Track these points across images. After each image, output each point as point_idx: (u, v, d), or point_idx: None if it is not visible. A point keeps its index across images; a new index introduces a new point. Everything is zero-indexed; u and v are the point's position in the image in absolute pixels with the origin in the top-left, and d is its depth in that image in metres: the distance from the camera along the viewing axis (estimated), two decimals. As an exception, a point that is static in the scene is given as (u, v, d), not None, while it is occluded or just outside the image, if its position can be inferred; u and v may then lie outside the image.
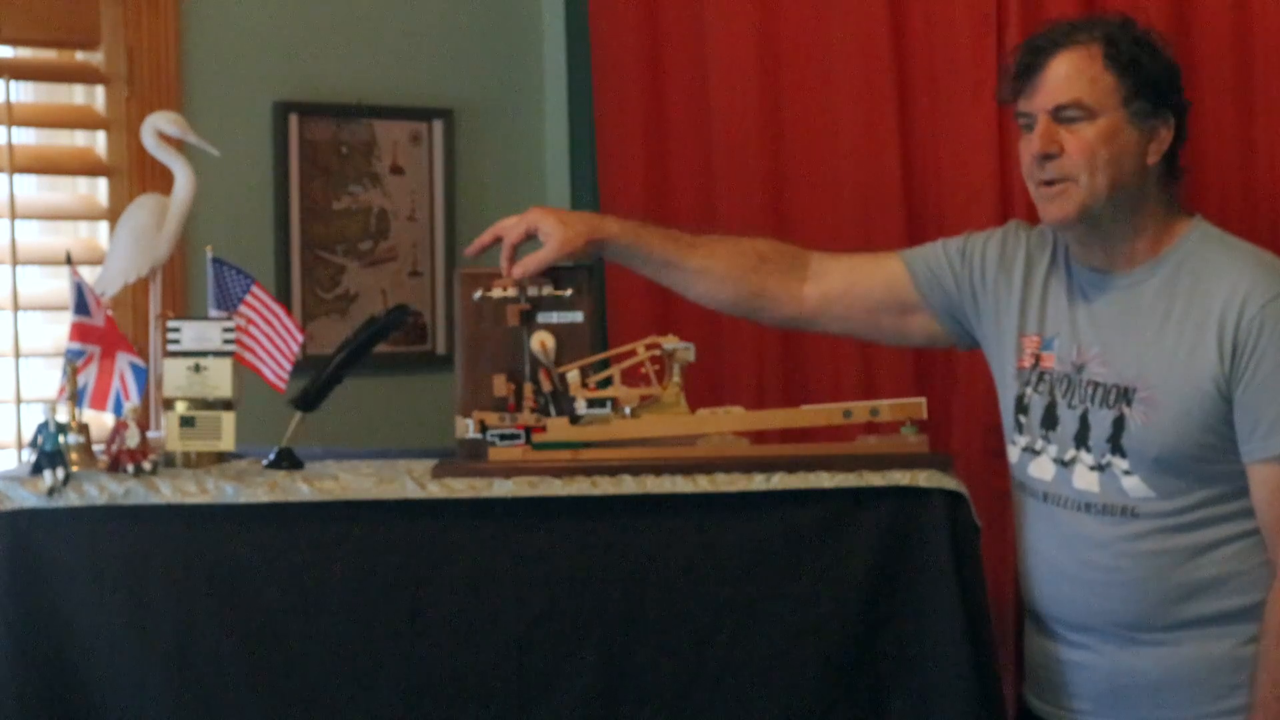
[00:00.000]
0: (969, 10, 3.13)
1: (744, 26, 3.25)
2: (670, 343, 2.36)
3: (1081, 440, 2.27)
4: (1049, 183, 2.25)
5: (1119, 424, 2.24)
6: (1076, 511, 2.27)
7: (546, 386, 2.34)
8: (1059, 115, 2.23)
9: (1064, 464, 2.29)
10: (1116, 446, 2.24)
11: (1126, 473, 2.23)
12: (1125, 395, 2.23)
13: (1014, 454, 2.38)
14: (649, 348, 2.36)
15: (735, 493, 2.25)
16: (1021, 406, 2.36)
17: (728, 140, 3.28)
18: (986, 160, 3.13)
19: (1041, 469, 2.32)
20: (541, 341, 2.35)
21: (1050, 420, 2.31)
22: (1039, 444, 2.33)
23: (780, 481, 2.25)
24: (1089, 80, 2.21)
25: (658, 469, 2.26)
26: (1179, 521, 2.22)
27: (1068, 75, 2.22)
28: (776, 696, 2.25)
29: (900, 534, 2.25)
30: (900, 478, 2.25)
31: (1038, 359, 2.34)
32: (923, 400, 2.35)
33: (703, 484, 2.25)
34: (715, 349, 3.22)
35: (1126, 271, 2.28)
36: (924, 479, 2.25)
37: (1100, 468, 2.25)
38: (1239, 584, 2.22)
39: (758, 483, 2.25)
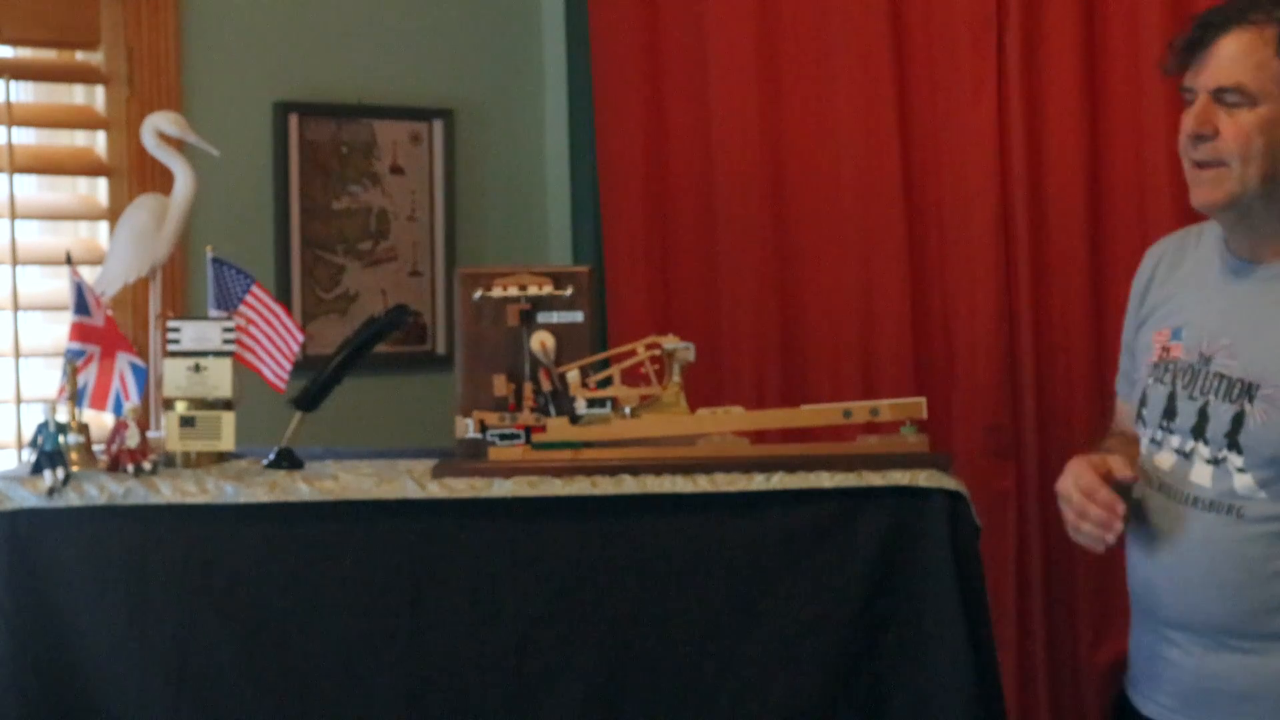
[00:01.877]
0: (969, 10, 3.13)
1: (744, 26, 3.25)
2: (670, 343, 2.36)
3: (1199, 433, 2.21)
4: (1201, 165, 2.19)
5: (1238, 420, 2.17)
6: (1185, 505, 2.21)
7: (546, 386, 2.34)
8: (1219, 97, 2.16)
9: (1184, 455, 2.23)
10: (1233, 443, 2.17)
11: (1240, 470, 2.17)
12: (1248, 391, 2.17)
13: (1142, 446, 2.32)
14: (649, 348, 2.36)
15: (735, 493, 2.24)
16: (1143, 399, 2.31)
17: (728, 140, 3.28)
18: (986, 160, 3.14)
19: (1164, 460, 2.26)
20: (541, 341, 2.35)
21: (1170, 411, 2.26)
22: (1158, 434, 2.27)
23: (780, 481, 2.25)
24: (1255, 65, 2.14)
25: (658, 469, 2.26)
26: None
27: (1233, 57, 2.15)
28: (776, 696, 2.25)
29: (900, 534, 2.25)
30: (900, 478, 2.24)
31: (1167, 350, 2.29)
32: (923, 400, 2.35)
33: (703, 484, 2.25)
34: (715, 349, 3.22)
35: (1271, 264, 2.22)
36: (924, 479, 2.24)
37: (1216, 462, 2.19)
38: None
39: (758, 483, 2.25)
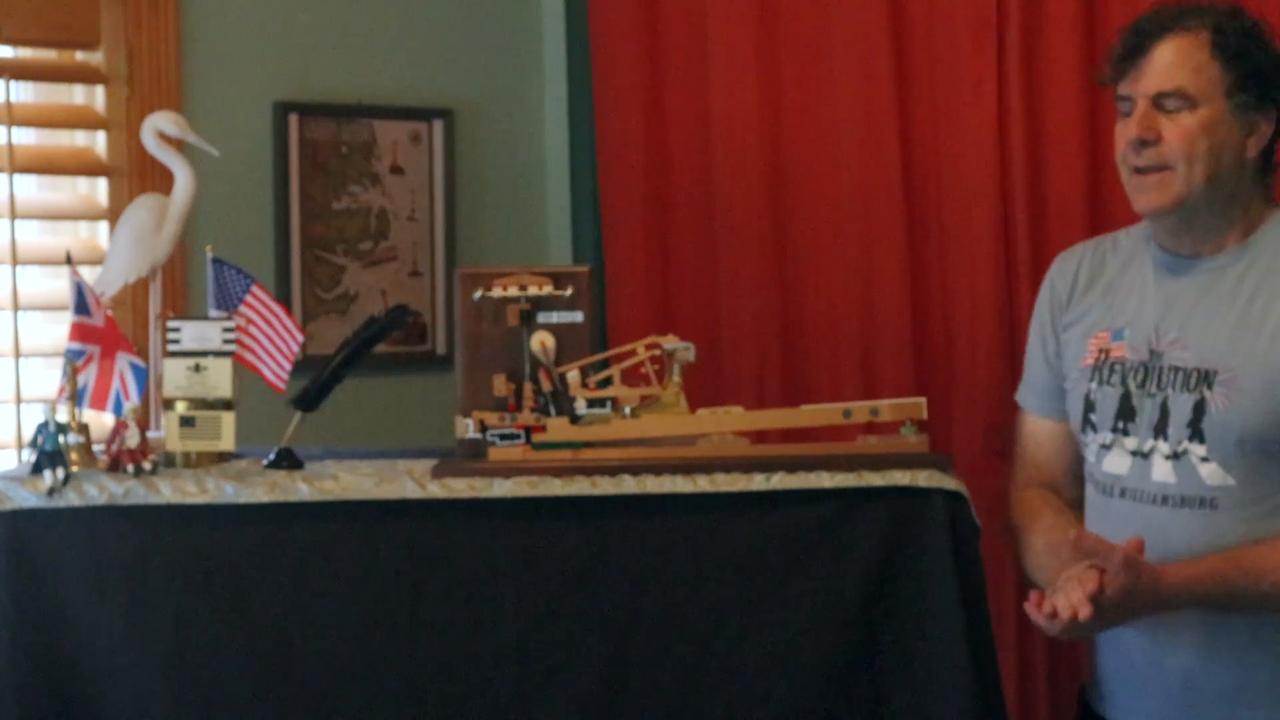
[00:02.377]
0: (969, 10, 3.14)
1: (744, 26, 3.25)
2: (670, 343, 2.36)
3: (1161, 429, 2.22)
4: (1142, 171, 2.21)
5: (1199, 408, 2.18)
6: (1153, 505, 2.22)
7: (546, 386, 2.34)
8: (1160, 102, 2.19)
9: (1143, 455, 2.24)
10: (1196, 431, 2.18)
11: (1204, 459, 2.18)
12: (1206, 378, 2.18)
13: (1090, 454, 2.33)
14: (649, 348, 2.36)
15: (735, 493, 2.24)
16: (1089, 404, 2.31)
17: (728, 140, 3.28)
18: (986, 160, 3.14)
19: (1117, 463, 2.27)
20: (541, 341, 2.35)
21: (1126, 411, 2.26)
22: (1108, 438, 2.27)
23: (780, 481, 2.25)
24: (1193, 69, 2.17)
25: (658, 469, 2.26)
26: (1260, 511, 2.16)
27: (1172, 62, 2.18)
28: (776, 696, 2.25)
29: (900, 534, 2.25)
30: (900, 478, 2.24)
31: (1105, 352, 2.30)
32: (923, 400, 2.35)
33: (703, 484, 2.25)
34: (715, 349, 3.22)
35: (1212, 256, 2.24)
36: (924, 479, 2.24)
37: (1175, 456, 2.20)
38: None
39: (758, 483, 2.25)
